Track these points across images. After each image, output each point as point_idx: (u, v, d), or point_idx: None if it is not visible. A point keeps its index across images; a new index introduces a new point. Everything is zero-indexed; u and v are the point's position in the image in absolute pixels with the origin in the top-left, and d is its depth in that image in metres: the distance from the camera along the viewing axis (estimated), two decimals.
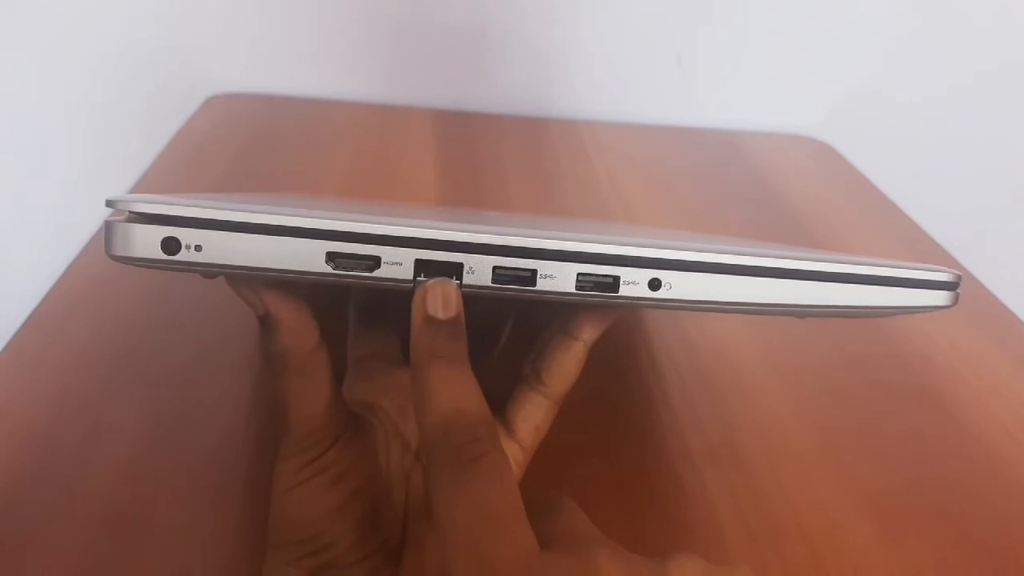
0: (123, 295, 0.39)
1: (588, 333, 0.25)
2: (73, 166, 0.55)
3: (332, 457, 0.22)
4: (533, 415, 0.25)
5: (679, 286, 0.20)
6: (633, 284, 0.20)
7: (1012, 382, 0.40)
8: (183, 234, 0.18)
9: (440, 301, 0.19)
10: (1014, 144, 0.75)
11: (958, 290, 0.23)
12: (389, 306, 0.29)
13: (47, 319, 0.37)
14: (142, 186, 0.51)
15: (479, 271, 0.19)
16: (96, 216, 0.47)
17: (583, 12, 0.65)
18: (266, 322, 0.21)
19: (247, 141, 0.59)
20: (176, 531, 0.28)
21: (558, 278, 0.20)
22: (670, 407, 0.36)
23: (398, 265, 0.19)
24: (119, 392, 0.33)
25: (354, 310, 0.30)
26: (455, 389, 0.19)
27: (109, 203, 0.18)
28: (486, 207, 0.53)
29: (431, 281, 0.20)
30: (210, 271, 0.19)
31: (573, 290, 0.20)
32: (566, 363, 0.25)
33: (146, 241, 0.18)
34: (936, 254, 0.53)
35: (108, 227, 0.18)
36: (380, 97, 0.68)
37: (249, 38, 0.65)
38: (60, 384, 0.33)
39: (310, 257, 0.19)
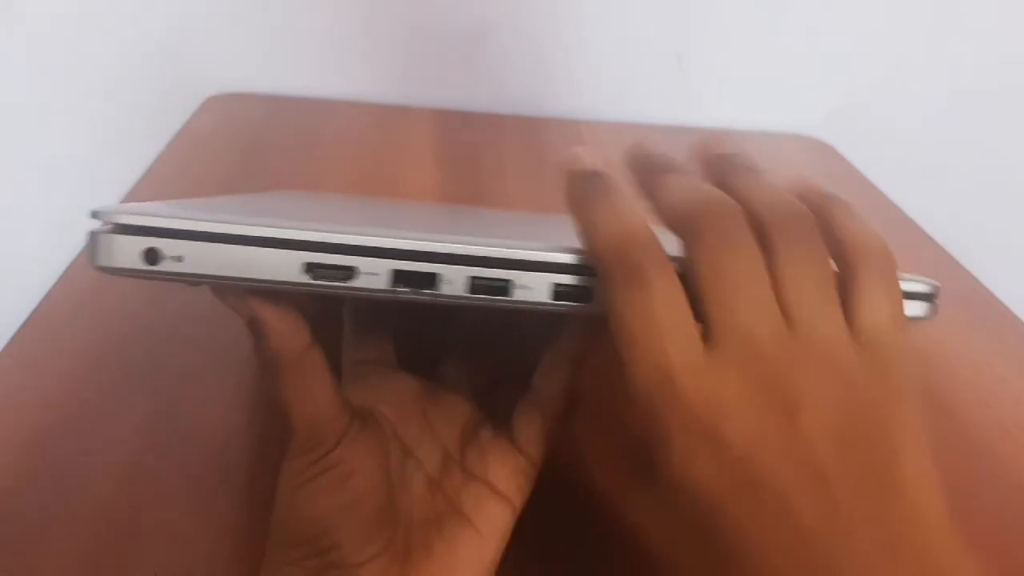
0: (123, 296, 0.39)
1: (575, 349, 0.25)
2: (73, 166, 0.55)
3: (337, 456, 0.22)
4: (539, 432, 0.26)
5: None
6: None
7: (1012, 382, 0.40)
8: (164, 245, 0.18)
9: (578, 161, 0.22)
10: (1014, 144, 0.75)
11: (936, 302, 0.23)
12: (385, 312, 0.29)
13: (47, 319, 0.37)
14: (142, 186, 0.51)
15: (455, 281, 0.20)
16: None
17: (584, 12, 0.65)
18: (254, 327, 0.21)
19: (247, 141, 0.59)
20: (176, 533, 0.28)
21: (533, 289, 0.20)
22: None
23: (375, 275, 0.19)
24: (119, 393, 0.33)
25: (349, 316, 0.30)
26: (615, 213, 0.20)
27: (95, 214, 0.18)
28: (485, 207, 0.53)
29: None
30: (191, 281, 0.19)
31: (548, 300, 0.20)
32: (560, 379, 0.25)
33: (128, 252, 0.18)
34: (936, 254, 0.53)
35: (91, 238, 0.18)
36: (380, 97, 0.68)
37: (249, 38, 0.65)
38: (60, 385, 0.33)
39: (288, 267, 0.19)
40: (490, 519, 0.24)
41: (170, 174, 0.54)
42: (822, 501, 0.18)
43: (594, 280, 0.20)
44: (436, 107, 0.68)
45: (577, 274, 0.20)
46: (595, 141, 0.66)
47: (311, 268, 0.19)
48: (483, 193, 0.55)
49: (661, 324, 0.19)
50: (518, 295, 0.20)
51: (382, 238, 0.19)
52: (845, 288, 0.20)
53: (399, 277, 0.19)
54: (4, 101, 0.49)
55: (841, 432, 0.19)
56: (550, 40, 0.67)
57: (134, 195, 0.50)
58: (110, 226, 0.18)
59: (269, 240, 0.19)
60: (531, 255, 0.20)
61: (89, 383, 0.34)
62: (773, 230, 0.20)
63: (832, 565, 0.17)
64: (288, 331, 0.22)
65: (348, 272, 0.19)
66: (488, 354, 0.29)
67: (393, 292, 0.19)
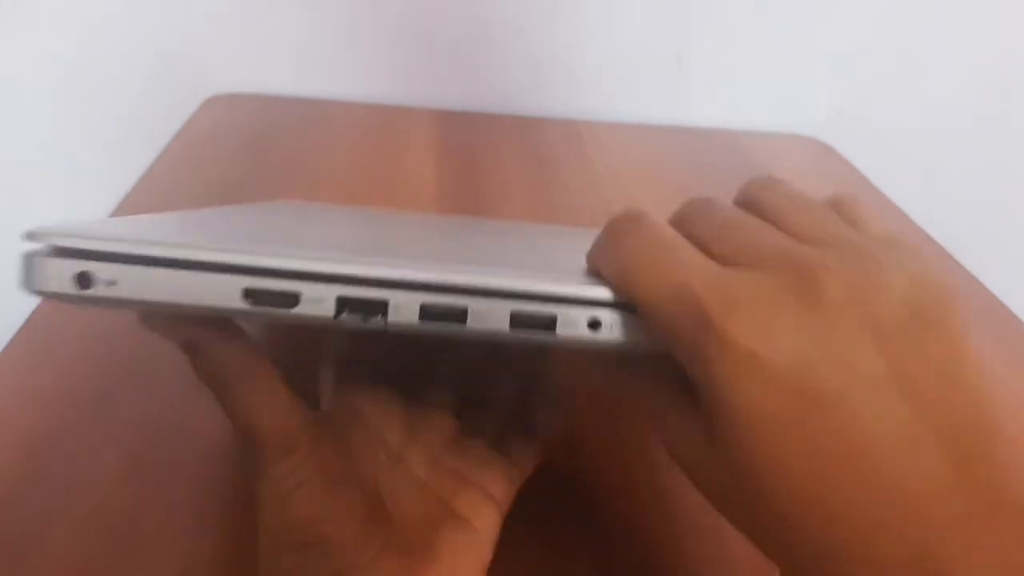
0: None
1: (572, 380, 0.26)
2: (73, 166, 0.55)
3: (320, 458, 0.22)
4: (532, 448, 0.26)
5: (618, 327, 0.19)
6: (572, 324, 0.19)
7: (1012, 382, 0.40)
8: (96, 268, 0.17)
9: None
10: (1014, 144, 0.75)
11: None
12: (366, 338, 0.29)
13: (47, 319, 0.37)
14: (142, 186, 0.51)
15: (405, 309, 0.18)
16: (96, 217, 0.47)
17: (584, 12, 0.65)
18: (193, 347, 0.21)
19: (247, 141, 0.59)
20: (177, 533, 0.28)
21: (490, 316, 0.19)
22: None
23: (319, 302, 0.18)
24: (119, 393, 0.33)
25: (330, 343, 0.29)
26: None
27: (29, 235, 0.17)
28: (486, 208, 0.53)
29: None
30: (128, 307, 0.18)
31: (507, 329, 0.19)
32: (555, 405, 0.26)
33: (59, 275, 0.17)
34: (936, 254, 0.53)
35: (23, 260, 0.17)
36: (380, 97, 0.68)
37: (249, 38, 0.65)
38: (60, 386, 0.33)
39: (226, 292, 0.18)
40: (486, 521, 0.24)
41: (170, 174, 0.54)
42: (884, 408, 0.16)
43: (557, 308, 0.19)
44: (436, 107, 0.68)
45: (539, 302, 0.19)
46: (595, 141, 0.66)
47: (251, 294, 0.18)
48: (483, 193, 0.55)
49: (659, 247, 0.19)
50: (474, 323, 0.19)
51: (327, 262, 0.18)
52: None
53: (345, 304, 0.18)
54: (4, 102, 0.49)
55: (895, 329, 0.17)
56: (550, 40, 0.67)
57: (134, 195, 0.50)
58: (44, 247, 0.17)
59: (205, 264, 0.18)
60: (488, 281, 0.19)
61: (89, 383, 0.34)
62: (771, 206, 0.21)
63: (898, 481, 0.16)
64: (228, 338, 0.21)
65: (291, 299, 0.18)
66: (470, 376, 0.29)
67: (339, 320, 0.18)
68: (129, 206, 0.48)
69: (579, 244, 0.22)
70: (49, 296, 0.17)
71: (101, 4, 0.57)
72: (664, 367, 0.20)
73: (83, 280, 0.17)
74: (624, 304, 0.19)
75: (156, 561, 0.27)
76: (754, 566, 0.28)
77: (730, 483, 0.18)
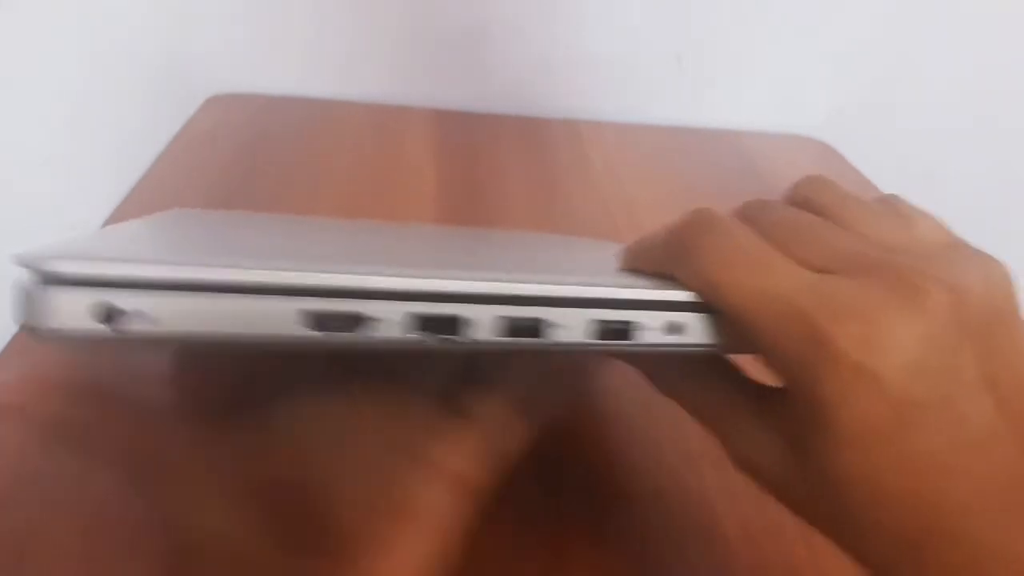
0: None
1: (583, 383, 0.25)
2: (73, 166, 0.55)
3: (218, 470, 0.22)
4: (520, 431, 0.24)
5: (699, 330, 0.19)
6: (651, 329, 0.18)
7: None
8: (122, 298, 0.14)
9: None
10: (1014, 144, 0.75)
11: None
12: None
13: None
14: (142, 187, 0.51)
15: (481, 323, 0.17)
16: (96, 217, 0.47)
17: (584, 12, 0.65)
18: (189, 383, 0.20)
19: (247, 141, 0.59)
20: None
21: (570, 328, 0.18)
22: (671, 406, 0.35)
23: (385, 323, 0.16)
24: (119, 391, 0.33)
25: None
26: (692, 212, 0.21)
27: (23, 261, 0.14)
28: (486, 208, 0.53)
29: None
30: (156, 344, 0.15)
31: (585, 339, 0.18)
32: (556, 405, 0.26)
33: (73, 310, 0.14)
34: None
35: (20, 294, 0.14)
36: (380, 97, 0.68)
37: (249, 38, 0.65)
38: (60, 384, 0.33)
39: (278, 319, 0.15)
40: (433, 505, 0.21)
41: (170, 175, 0.54)
42: (978, 408, 0.17)
43: (636, 314, 0.18)
44: (436, 107, 0.68)
45: (617, 309, 0.18)
46: (595, 141, 0.66)
47: (308, 317, 0.16)
48: (483, 194, 0.55)
49: (740, 251, 0.18)
50: (552, 335, 0.17)
51: (395, 277, 0.16)
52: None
53: (416, 322, 0.16)
54: (4, 103, 0.49)
55: (981, 330, 0.17)
56: (550, 40, 0.67)
57: (134, 195, 0.50)
58: (45, 276, 0.14)
59: (255, 286, 0.15)
60: (570, 291, 0.18)
61: (89, 381, 0.34)
62: (831, 208, 0.21)
63: (983, 473, 0.17)
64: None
65: (353, 320, 0.16)
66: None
67: (404, 342, 0.16)
68: (129, 206, 0.48)
69: (576, 255, 0.21)
70: (57, 337, 0.14)
71: (101, 4, 0.57)
72: (731, 372, 0.21)
73: (106, 315, 0.14)
74: (701, 306, 0.19)
75: (155, 561, 0.27)
76: (754, 565, 0.28)
77: (816, 489, 0.18)
